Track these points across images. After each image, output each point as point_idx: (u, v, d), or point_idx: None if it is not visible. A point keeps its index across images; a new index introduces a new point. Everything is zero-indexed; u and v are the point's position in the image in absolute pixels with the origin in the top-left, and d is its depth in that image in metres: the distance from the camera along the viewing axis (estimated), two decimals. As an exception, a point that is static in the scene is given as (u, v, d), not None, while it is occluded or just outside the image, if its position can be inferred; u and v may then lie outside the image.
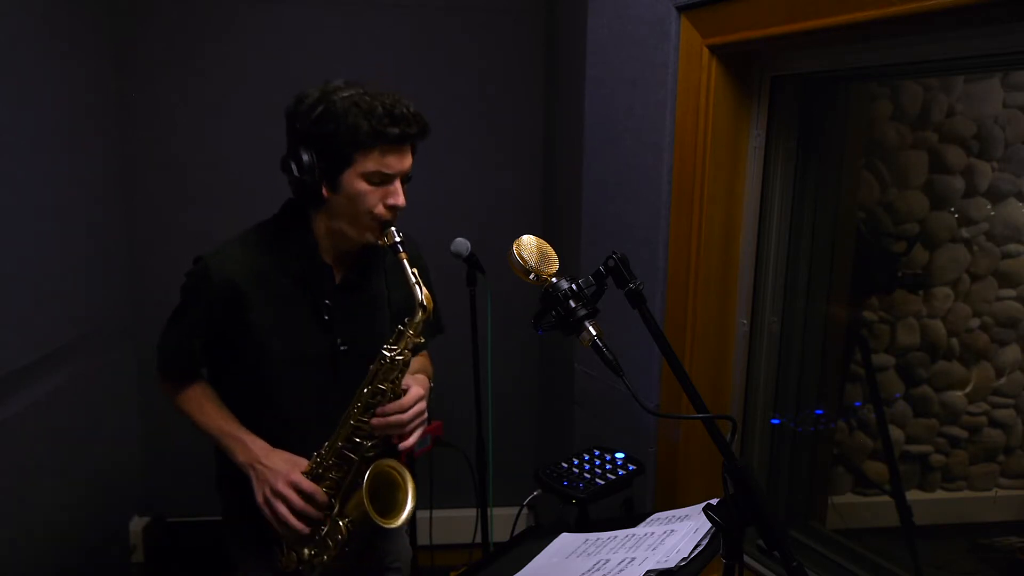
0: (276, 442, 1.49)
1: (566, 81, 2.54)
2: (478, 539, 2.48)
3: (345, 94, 1.38)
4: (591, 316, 1.14)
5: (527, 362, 3.10)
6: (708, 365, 1.91)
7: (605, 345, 1.12)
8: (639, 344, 1.88)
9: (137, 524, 2.93)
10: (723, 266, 1.87)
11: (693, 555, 1.19)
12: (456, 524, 2.96)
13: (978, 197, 2.74)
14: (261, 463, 1.44)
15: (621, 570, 1.19)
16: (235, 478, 1.48)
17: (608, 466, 1.83)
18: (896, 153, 2.70)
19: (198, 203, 2.82)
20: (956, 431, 2.87)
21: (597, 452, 1.90)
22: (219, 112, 2.79)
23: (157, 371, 1.58)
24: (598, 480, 1.77)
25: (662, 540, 1.27)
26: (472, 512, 2.62)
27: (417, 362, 1.66)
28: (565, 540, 1.43)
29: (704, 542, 1.22)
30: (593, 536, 1.40)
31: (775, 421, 2.01)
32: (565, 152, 2.58)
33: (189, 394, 1.55)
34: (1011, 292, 2.81)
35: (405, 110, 1.39)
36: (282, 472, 1.43)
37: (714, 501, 1.14)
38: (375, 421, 1.44)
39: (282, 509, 1.42)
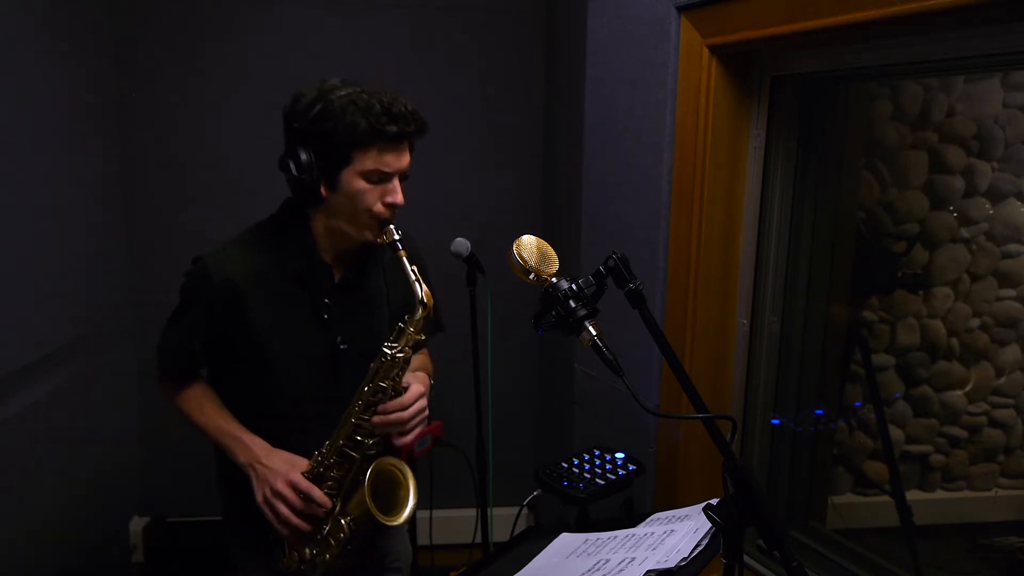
0: (276, 442, 1.49)
1: (566, 81, 2.54)
2: (478, 539, 2.48)
3: (342, 93, 1.38)
4: (591, 316, 1.14)
5: (527, 362, 3.10)
6: (708, 365, 1.91)
7: (605, 345, 1.12)
8: (639, 344, 1.88)
9: (137, 524, 2.93)
10: (723, 266, 1.87)
11: (693, 555, 1.19)
12: (456, 524, 2.96)
13: (978, 197, 2.74)
14: (261, 463, 1.44)
15: (621, 570, 1.19)
16: (235, 478, 1.48)
17: (608, 466, 1.83)
18: (896, 153, 2.70)
19: (198, 203, 2.82)
20: (956, 431, 2.87)
21: (597, 452, 1.90)
22: (219, 112, 2.79)
23: (157, 371, 1.58)
24: (598, 480, 1.77)
25: (662, 540, 1.27)
26: (472, 512, 2.62)
27: (417, 360, 1.66)
28: (565, 540, 1.43)
29: (704, 542, 1.22)
30: (593, 536, 1.40)
31: (775, 421, 2.01)
32: (565, 152, 2.58)
33: (189, 394, 1.55)
34: (1011, 292, 2.81)
35: (403, 108, 1.39)
36: (282, 472, 1.43)
37: (714, 501, 1.14)
38: (376, 419, 1.44)
39: (282, 509, 1.42)
